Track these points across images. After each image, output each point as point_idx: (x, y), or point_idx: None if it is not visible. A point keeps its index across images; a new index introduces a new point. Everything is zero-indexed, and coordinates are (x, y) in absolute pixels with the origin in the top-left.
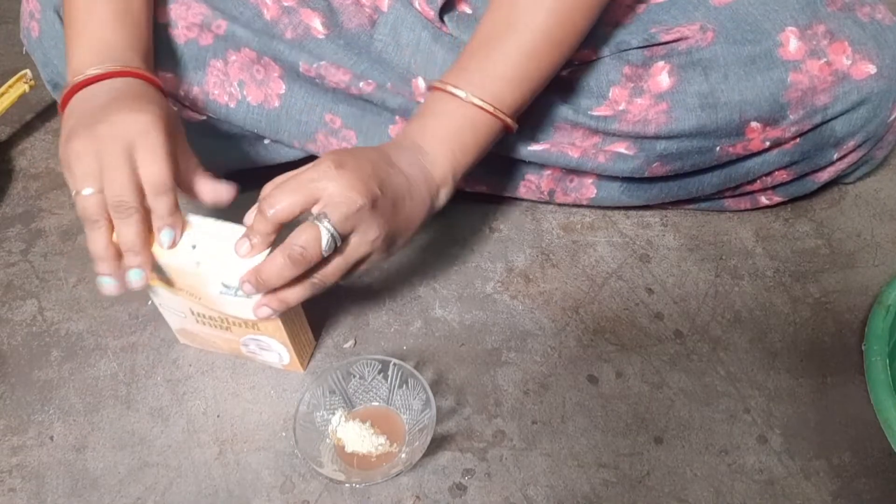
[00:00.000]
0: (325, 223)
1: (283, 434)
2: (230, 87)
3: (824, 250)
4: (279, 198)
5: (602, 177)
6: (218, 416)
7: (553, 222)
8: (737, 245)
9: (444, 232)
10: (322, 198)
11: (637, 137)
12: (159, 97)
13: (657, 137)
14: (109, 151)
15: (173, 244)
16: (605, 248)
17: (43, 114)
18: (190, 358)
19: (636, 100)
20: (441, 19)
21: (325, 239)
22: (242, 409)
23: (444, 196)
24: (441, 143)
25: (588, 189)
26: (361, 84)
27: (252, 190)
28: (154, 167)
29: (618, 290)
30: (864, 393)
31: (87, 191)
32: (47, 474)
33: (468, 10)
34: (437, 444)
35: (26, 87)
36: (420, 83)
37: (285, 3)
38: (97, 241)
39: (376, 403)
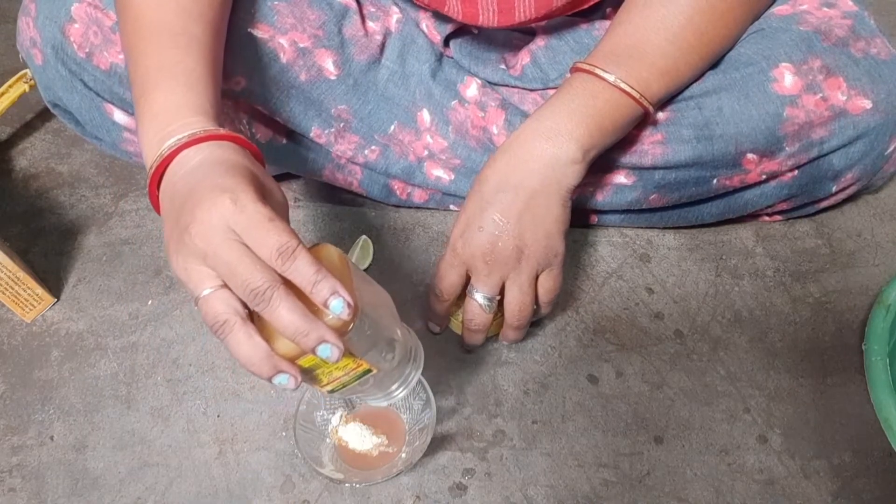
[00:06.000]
0: (475, 293)
1: (283, 434)
2: (239, 123)
3: (824, 250)
4: (440, 283)
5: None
6: (218, 416)
7: None
8: (737, 245)
9: (443, 231)
10: (468, 270)
11: (634, 168)
12: (242, 157)
13: (654, 168)
14: (212, 246)
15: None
16: (605, 248)
17: (43, 114)
18: (190, 358)
19: (632, 130)
20: (447, 43)
21: (483, 305)
22: (242, 409)
23: (574, 175)
24: (579, 121)
25: (590, 219)
26: (366, 152)
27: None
28: (266, 234)
29: (618, 290)
30: (864, 393)
31: (205, 291)
32: (47, 474)
33: (474, 31)
34: (437, 444)
35: (26, 87)
36: (425, 115)
37: (301, 45)
38: (240, 344)
39: None
